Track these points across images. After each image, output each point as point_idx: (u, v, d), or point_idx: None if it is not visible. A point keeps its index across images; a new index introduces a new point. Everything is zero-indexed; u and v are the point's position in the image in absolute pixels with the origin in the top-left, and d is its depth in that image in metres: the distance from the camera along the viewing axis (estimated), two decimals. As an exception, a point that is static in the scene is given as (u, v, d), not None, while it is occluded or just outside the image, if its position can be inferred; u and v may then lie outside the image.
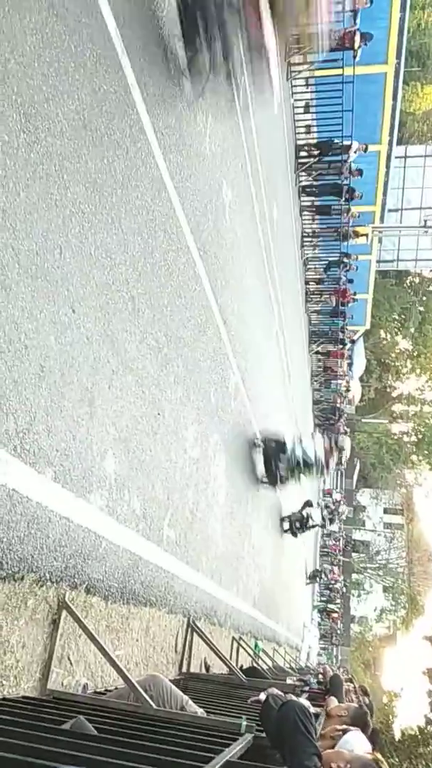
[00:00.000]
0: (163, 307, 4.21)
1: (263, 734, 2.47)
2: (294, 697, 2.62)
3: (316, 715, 3.30)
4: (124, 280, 3.50)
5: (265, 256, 9.27)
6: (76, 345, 2.94)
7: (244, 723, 2.58)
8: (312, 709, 3.54)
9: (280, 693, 2.66)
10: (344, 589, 35.92)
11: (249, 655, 6.91)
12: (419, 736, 20.10)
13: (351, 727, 2.82)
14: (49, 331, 2.70)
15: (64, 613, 2.90)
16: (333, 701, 3.80)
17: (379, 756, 2.13)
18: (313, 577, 16.00)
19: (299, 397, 16.66)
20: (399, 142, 24.31)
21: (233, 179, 6.65)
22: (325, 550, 29.04)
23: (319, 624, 26.52)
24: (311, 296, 18.16)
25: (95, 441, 3.16)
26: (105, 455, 3.28)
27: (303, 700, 2.50)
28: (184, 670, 4.76)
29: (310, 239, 16.44)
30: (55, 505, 2.78)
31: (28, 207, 2.52)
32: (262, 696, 2.68)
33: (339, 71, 12.57)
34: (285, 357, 12.48)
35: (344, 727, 2.82)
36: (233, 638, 6.76)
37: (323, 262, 17.57)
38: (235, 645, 6.79)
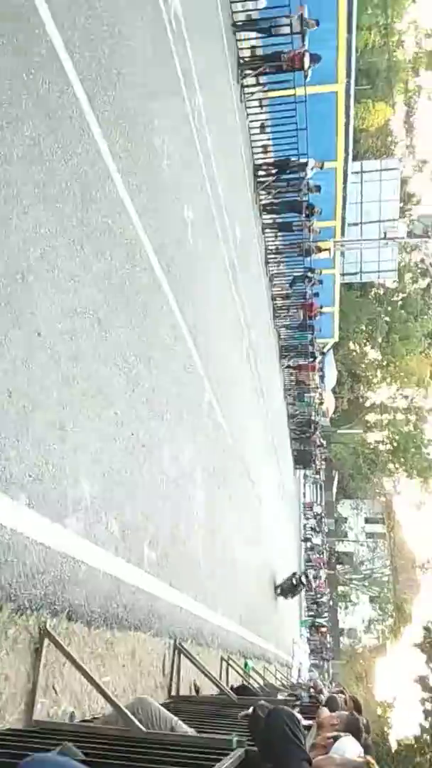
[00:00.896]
0: (132, 327, 4.23)
1: (255, 748, 2.45)
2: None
3: (308, 727, 3.27)
4: (90, 302, 3.51)
5: (230, 274, 9.38)
6: (44, 368, 2.93)
7: (235, 738, 2.55)
8: (304, 722, 3.52)
9: (267, 704, 2.64)
10: (331, 602, 35.81)
11: (239, 674, 6.83)
12: (415, 746, 20.00)
13: (342, 734, 2.81)
14: (15, 355, 2.69)
15: (46, 641, 2.84)
16: (324, 711, 3.77)
17: (370, 759, 2.12)
18: (290, 589, 13.40)
19: (274, 411, 16.74)
20: (354, 158, 25.01)
21: (194, 200, 6.75)
22: (310, 563, 28.98)
23: (309, 639, 26.33)
24: (279, 311, 18.37)
25: (68, 465, 3.13)
26: (79, 478, 3.25)
27: (294, 712, 2.48)
28: (173, 693, 4.68)
29: (274, 256, 16.68)
30: (31, 531, 2.74)
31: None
32: (251, 709, 2.66)
33: (291, 92, 12.89)
34: (257, 372, 12.56)
35: (335, 734, 2.80)
36: (222, 658, 6.68)
37: (288, 278, 17.83)
38: (225, 665, 6.70)
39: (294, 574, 14.62)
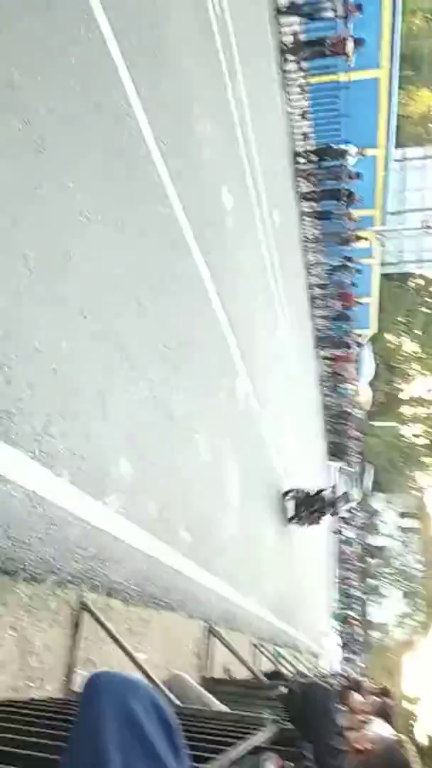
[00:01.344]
0: (170, 311, 4.26)
1: (288, 725, 2.47)
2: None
3: (340, 710, 3.29)
4: (131, 285, 3.55)
5: (269, 260, 9.33)
6: (86, 349, 2.99)
7: (269, 715, 2.58)
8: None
9: (303, 681, 2.66)
10: (362, 596, 35.60)
11: (269, 660, 6.87)
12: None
13: (374, 718, 2.82)
14: (60, 336, 2.75)
15: (85, 615, 2.91)
16: (355, 696, 3.78)
17: (403, 737, 2.12)
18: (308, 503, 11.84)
19: (308, 401, 16.65)
20: (397, 146, 24.43)
21: (233, 186, 6.72)
22: (345, 556, 28.84)
23: (340, 633, 26.27)
24: (316, 301, 18.19)
25: (109, 444, 3.19)
26: (119, 458, 3.31)
27: (329, 688, 2.49)
28: (206, 675, 4.74)
29: (312, 244, 16.50)
30: (73, 507, 2.81)
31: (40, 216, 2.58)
32: (286, 689, 2.69)
33: (334, 77, 12.69)
34: (292, 362, 12.50)
35: (367, 717, 2.81)
36: (253, 644, 6.73)
37: (326, 267, 17.63)
38: (255, 651, 6.75)
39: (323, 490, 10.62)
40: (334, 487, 12.06)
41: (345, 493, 12.08)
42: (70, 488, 2.79)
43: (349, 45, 11.89)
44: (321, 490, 10.66)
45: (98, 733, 0.70)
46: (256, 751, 2.05)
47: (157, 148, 4.05)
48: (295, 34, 12.43)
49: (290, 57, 12.00)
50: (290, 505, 9.85)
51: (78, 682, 2.84)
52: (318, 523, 11.10)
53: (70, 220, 2.88)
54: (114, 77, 3.45)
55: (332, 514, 11.76)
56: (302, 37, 12.72)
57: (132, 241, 3.60)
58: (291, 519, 10.08)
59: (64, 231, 2.82)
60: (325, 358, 20.58)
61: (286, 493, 9.83)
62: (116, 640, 3.01)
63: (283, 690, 2.75)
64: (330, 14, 11.75)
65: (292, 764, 1.95)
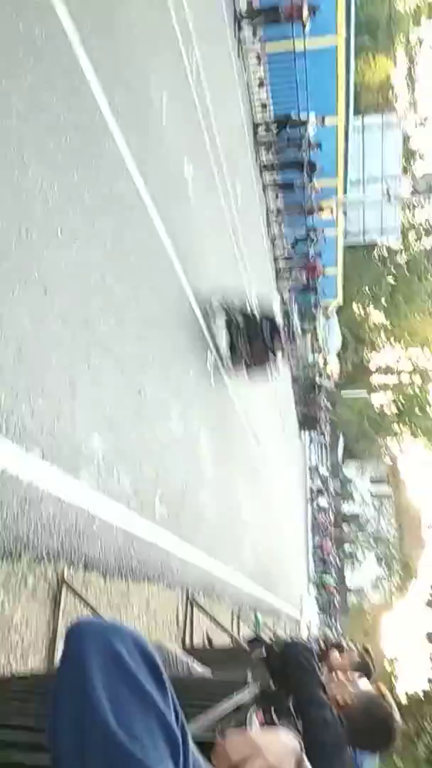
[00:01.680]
0: (135, 285, 4.22)
1: (271, 685, 2.54)
2: None
3: (319, 668, 3.39)
4: (94, 261, 3.50)
5: (232, 233, 9.28)
6: (52, 327, 2.95)
7: (251, 674, 2.64)
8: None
9: (282, 641, 2.74)
10: (338, 561, 36.49)
11: (249, 627, 7.02)
12: (424, 699, 20.63)
13: (358, 675, 2.91)
14: (22, 313, 2.70)
15: (64, 590, 2.93)
16: (334, 653, 3.90)
17: (383, 688, 2.21)
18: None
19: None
20: (355, 113, 24.36)
21: (194, 157, 6.64)
22: (316, 523, 29.45)
23: (317, 597, 26.94)
24: (282, 273, 18.22)
25: (80, 420, 3.17)
26: (91, 434, 3.30)
27: (307, 643, 2.57)
28: (186, 644, 4.83)
29: (275, 216, 16.45)
30: (46, 483, 2.80)
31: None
32: (265, 649, 2.76)
33: (290, 45, 12.53)
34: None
35: (352, 674, 2.90)
36: (233, 612, 6.86)
37: (290, 239, 17.62)
38: (235, 618, 6.89)
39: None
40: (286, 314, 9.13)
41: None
42: (42, 464, 2.78)
43: (305, 11, 11.73)
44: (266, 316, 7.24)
45: (83, 673, 0.71)
46: (240, 709, 2.10)
47: (114, 119, 3.96)
48: (249, 1, 12.21)
49: (245, 23, 11.79)
50: (222, 336, 6.79)
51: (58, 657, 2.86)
52: (266, 364, 7.47)
53: (29, 196, 2.81)
54: (65, 43, 3.35)
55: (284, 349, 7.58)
56: (257, 4, 12.51)
57: (92, 216, 3.53)
58: (225, 362, 7.09)
59: (20, 208, 2.75)
60: (293, 330, 20.66)
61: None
62: (96, 614, 3.04)
63: (264, 652, 2.82)
64: (284, -20, 11.57)
65: (276, 718, 2.01)
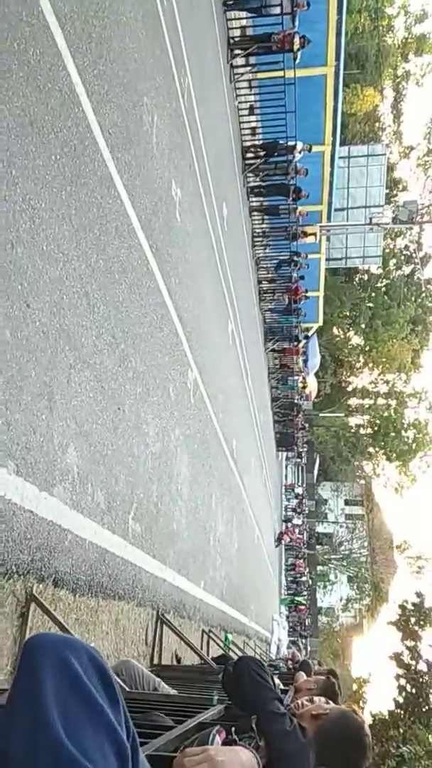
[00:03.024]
0: (118, 303, 4.27)
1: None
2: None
3: (285, 691, 3.40)
4: (77, 276, 3.54)
5: (217, 254, 9.40)
6: (32, 339, 2.98)
7: (216, 696, 2.66)
8: (281, 686, 3.65)
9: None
10: (310, 582, 36.44)
11: (219, 647, 7.00)
12: (389, 720, 20.61)
13: (319, 697, 2.93)
14: (4, 325, 2.73)
15: (32, 606, 2.92)
16: (301, 675, 3.92)
17: (355, 707, 2.23)
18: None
19: (257, 393, 16.88)
20: (342, 143, 24.96)
21: (182, 179, 6.75)
22: (290, 543, 29.41)
23: (288, 617, 26.83)
24: (264, 295, 18.43)
25: (56, 435, 3.19)
26: (66, 449, 3.32)
27: (257, 657, 2.58)
28: (155, 662, 4.81)
29: (260, 239, 16.69)
30: (19, 498, 2.80)
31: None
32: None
33: (280, 73, 12.84)
34: (242, 354, 12.64)
35: (311, 697, 2.92)
36: (203, 631, 6.83)
37: (274, 262, 17.87)
38: (206, 638, 6.86)
39: None
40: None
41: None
42: (16, 479, 2.78)
43: (296, 41, 12.06)
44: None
45: (37, 688, 0.71)
46: (203, 727, 2.12)
47: (104, 140, 4.04)
48: (242, 28, 12.51)
49: (238, 51, 12.06)
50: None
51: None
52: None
53: (14, 215, 2.86)
54: (58, 63, 3.42)
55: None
56: (249, 32, 12.82)
57: (78, 233, 3.58)
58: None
59: (7, 224, 2.79)
60: (273, 350, 20.89)
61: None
62: (65, 631, 3.03)
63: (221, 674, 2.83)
64: (277, 10, 11.88)
65: (236, 738, 2.03)
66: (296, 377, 23.60)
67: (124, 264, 4.43)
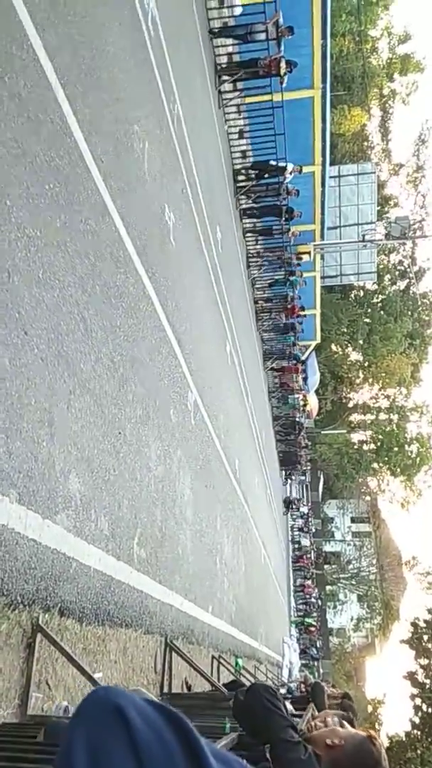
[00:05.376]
0: (116, 327, 4.28)
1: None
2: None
3: (298, 716, 3.33)
4: (74, 302, 3.56)
5: (213, 276, 9.46)
6: (31, 366, 2.97)
7: (228, 724, 2.60)
8: (293, 710, 3.57)
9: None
10: (319, 602, 35.96)
11: (230, 672, 6.87)
12: (406, 741, 20.17)
13: (334, 718, 2.86)
14: (2, 353, 2.73)
15: (38, 636, 2.87)
16: (326, 714, 3.82)
17: (372, 733, 2.16)
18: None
19: (258, 412, 16.85)
20: (332, 163, 25.32)
21: (175, 203, 6.82)
22: (298, 564, 29.09)
23: (298, 639, 26.42)
24: (261, 314, 18.51)
25: (57, 461, 3.17)
26: (68, 476, 3.29)
27: (269, 684, 2.53)
28: (165, 690, 4.72)
29: (255, 259, 16.83)
30: (22, 527, 2.77)
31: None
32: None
33: (268, 97, 13.07)
34: (241, 374, 12.65)
35: (325, 719, 2.86)
36: (213, 656, 6.72)
37: (270, 281, 18.00)
38: (216, 663, 6.74)
39: None
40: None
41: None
42: (18, 508, 2.76)
43: (282, 66, 12.29)
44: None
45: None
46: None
47: (96, 167, 4.09)
48: (229, 54, 12.76)
49: (225, 77, 12.29)
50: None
51: (33, 705, 2.79)
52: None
53: (9, 244, 2.88)
54: (49, 95, 3.48)
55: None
56: (236, 58, 13.08)
57: (73, 260, 3.61)
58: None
59: (3, 255, 2.81)
60: (273, 369, 20.91)
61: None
62: (72, 660, 2.98)
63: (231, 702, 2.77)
64: (262, 36, 12.14)
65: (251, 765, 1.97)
66: (297, 395, 23.59)
67: (121, 289, 4.46)
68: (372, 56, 42.36)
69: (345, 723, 3.00)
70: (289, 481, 28.29)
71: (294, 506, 25.38)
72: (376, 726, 26.27)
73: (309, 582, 30.67)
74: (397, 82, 44.74)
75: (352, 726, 3.16)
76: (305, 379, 26.24)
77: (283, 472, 27.15)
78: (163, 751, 0.65)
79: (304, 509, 31.33)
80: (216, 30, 11.68)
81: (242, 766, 0.75)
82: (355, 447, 44.20)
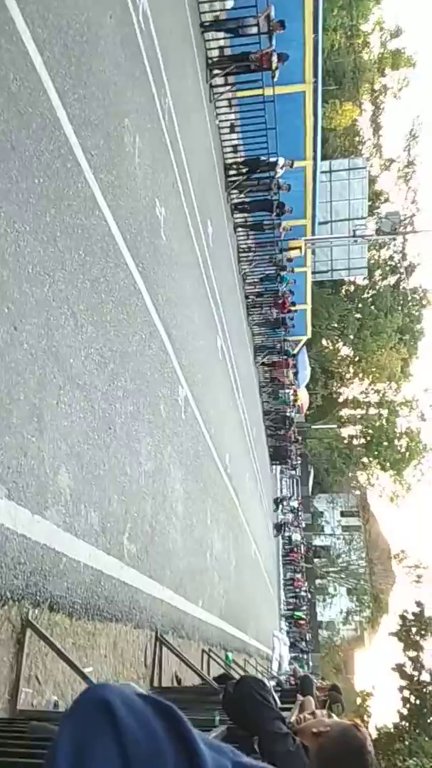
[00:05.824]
0: (106, 322, 4.27)
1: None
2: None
3: (287, 709, 3.36)
4: (64, 297, 3.55)
5: (204, 271, 9.45)
6: (20, 362, 2.97)
7: (217, 717, 2.62)
8: (280, 704, 3.60)
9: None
10: (309, 596, 36.19)
11: (220, 666, 6.91)
12: (394, 732, 20.40)
13: (322, 711, 2.90)
14: (-7, 349, 2.72)
15: (28, 631, 2.87)
16: (309, 701, 3.86)
17: (358, 721, 2.19)
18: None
19: (249, 407, 16.89)
20: (323, 158, 25.31)
21: (166, 198, 6.80)
22: (288, 558, 29.25)
23: (288, 632, 26.59)
24: (252, 309, 18.51)
25: (47, 457, 3.17)
26: (58, 471, 3.29)
27: (259, 677, 2.56)
28: (155, 684, 4.74)
29: (246, 254, 16.82)
30: (11, 523, 2.77)
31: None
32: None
33: (259, 91, 13.03)
34: (232, 369, 12.66)
35: (313, 711, 2.89)
36: (203, 650, 6.75)
37: (261, 276, 18.00)
38: (206, 657, 6.77)
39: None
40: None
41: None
42: (8, 504, 2.75)
43: (274, 60, 12.26)
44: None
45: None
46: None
47: (86, 161, 4.07)
48: (220, 48, 12.71)
49: (216, 71, 12.24)
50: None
51: (23, 700, 2.79)
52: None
53: (0, 236, 2.86)
54: (39, 88, 3.45)
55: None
56: (228, 52, 13.03)
57: (63, 255, 3.60)
58: None
59: (-8, 244, 2.80)
60: (263, 364, 20.94)
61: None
62: (61, 655, 2.99)
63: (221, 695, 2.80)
64: (254, 30, 12.09)
65: None
66: (287, 390, 23.65)
67: (111, 283, 4.44)
68: (363, 51, 42.33)
69: (332, 714, 3.04)
70: (281, 476, 28.39)
71: (284, 504, 25.54)
72: (365, 718, 26.54)
73: (299, 576, 30.85)
74: (388, 77, 44.78)
75: (339, 717, 3.20)
76: (296, 374, 26.31)
77: (275, 467, 27.25)
78: (150, 743, 0.66)
79: (294, 504, 31.47)
80: (207, 23, 11.61)
81: (235, 754, 0.76)
82: (345, 442, 44.45)
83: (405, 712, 21.27)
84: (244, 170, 14.48)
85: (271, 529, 22.38)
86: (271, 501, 26.39)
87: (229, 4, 13.07)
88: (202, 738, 0.70)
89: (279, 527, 25.62)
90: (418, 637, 24.09)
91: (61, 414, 3.37)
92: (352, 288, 43.55)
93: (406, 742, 19.28)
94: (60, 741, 0.66)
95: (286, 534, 25.83)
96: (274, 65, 12.43)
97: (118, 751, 0.64)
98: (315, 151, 19.44)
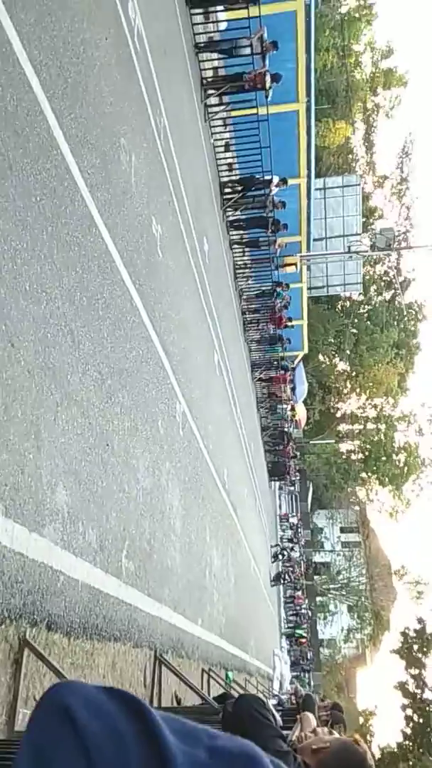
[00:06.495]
0: (103, 339, 4.28)
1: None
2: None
3: (288, 728, 3.31)
4: (61, 314, 3.56)
5: (200, 287, 9.50)
6: (18, 379, 2.97)
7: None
8: (281, 723, 3.56)
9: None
10: (310, 613, 35.84)
11: (220, 685, 6.81)
12: (398, 753, 20.07)
13: (323, 728, 2.85)
14: (-10, 366, 2.72)
15: (26, 651, 2.84)
16: (309, 718, 3.80)
17: (357, 736, 2.16)
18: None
19: (247, 423, 16.86)
20: (317, 175, 25.61)
21: (162, 215, 6.86)
22: (291, 576, 28.98)
23: (289, 651, 26.28)
24: (249, 325, 18.58)
25: (44, 474, 3.15)
26: (56, 488, 3.27)
27: (258, 695, 2.52)
28: (155, 704, 4.66)
29: (242, 271, 16.92)
30: (8, 541, 2.75)
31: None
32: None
33: (253, 111, 13.21)
34: (229, 384, 12.67)
35: (314, 728, 2.84)
36: (203, 670, 6.66)
37: (257, 293, 18.10)
38: (206, 677, 6.68)
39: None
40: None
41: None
42: (5, 521, 2.73)
43: (267, 80, 12.44)
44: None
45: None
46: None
47: (83, 180, 4.11)
48: (215, 69, 12.90)
49: (211, 91, 12.42)
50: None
51: (20, 721, 2.75)
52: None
53: (-5, 250, 2.88)
54: (35, 108, 3.50)
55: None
56: (222, 72, 13.23)
57: (61, 273, 3.61)
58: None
59: (-11, 262, 2.81)
60: (261, 379, 20.96)
61: None
62: (59, 675, 2.94)
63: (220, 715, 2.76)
64: (247, 51, 12.29)
65: None
66: (285, 405, 23.64)
67: (108, 300, 4.46)
68: (356, 70, 43.04)
69: (333, 731, 2.99)
70: (279, 492, 28.25)
71: (284, 555, 24.42)
72: (368, 738, 26.12)
73: (299, 593, 30.57)
74: (380, 96, 45.48)
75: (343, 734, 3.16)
76: (293, 389, 26.33)
77: (274, 483, 27.13)
78: (113, 742, 0.63)
79: (294, 520, 31.30)
80: (202, 45, 11.80)
81: (210, 737, 0.70)
82: (344, 457, 44.34)
83: (408, 731, 20.95)
84: (239, 188, 14.62)
85: (270, 579, 21.65)
86: (270, 513, 26.22)
87: (223, 26, 13.30)
88: (174, 728, 0.67)
89: (278, 577, 23.71)
90: (420, 654, 23.83)
91: (58, 431, 3.36)
92: (348, 303, 43.79)
93: (410, 762, 18.97)
94: (21, 754, 0.65)
95: (286, 552, 25.65)
96: (267, 85, 12.62)
97: (81, 757, 0.63)
98: (309, 168, 19.68)
